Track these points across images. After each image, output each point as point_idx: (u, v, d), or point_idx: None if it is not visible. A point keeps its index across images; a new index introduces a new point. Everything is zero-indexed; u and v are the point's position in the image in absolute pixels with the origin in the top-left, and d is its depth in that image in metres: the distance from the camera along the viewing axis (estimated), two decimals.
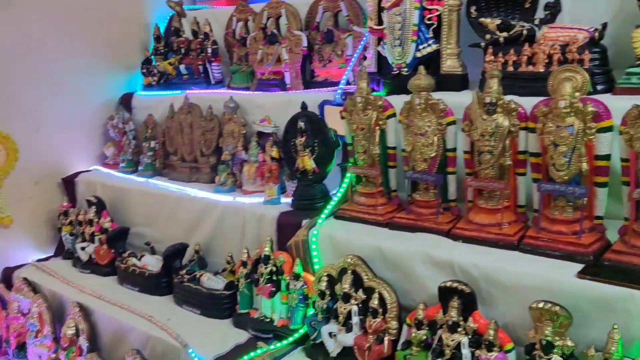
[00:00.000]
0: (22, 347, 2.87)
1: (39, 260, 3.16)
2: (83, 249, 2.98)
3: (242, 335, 2.19)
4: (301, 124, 2.31)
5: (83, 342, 2.52)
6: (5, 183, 3.09)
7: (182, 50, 3.33)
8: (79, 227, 3.09)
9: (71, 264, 3.09)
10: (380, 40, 2.42)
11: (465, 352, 1.62)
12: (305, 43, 2.78)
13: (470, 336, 1.63)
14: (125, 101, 3.48)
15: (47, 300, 2.74)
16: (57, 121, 3.29)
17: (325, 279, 1.98)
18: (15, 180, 3.13)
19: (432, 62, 2.30)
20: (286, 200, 2.49)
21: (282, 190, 2.54)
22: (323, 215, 2.17)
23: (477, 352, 1.60)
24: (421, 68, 1.98)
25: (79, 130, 3.43)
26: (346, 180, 2.28)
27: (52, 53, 3.23)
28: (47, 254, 3.29)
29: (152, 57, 3.44)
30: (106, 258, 2.91)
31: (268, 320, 2.17)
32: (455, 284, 1.66)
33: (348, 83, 2.62)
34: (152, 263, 2.67)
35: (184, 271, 2.51)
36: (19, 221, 3.16)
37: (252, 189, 2.65)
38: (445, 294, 1.68)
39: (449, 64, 2.28)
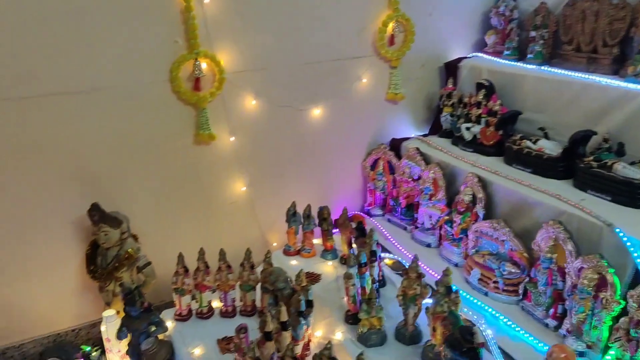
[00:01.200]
0: (409, 208, 3.31)
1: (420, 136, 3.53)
2: (468, 129, 3.19)
3: None
4: None
5: (479, 209, 2.78)
6: (401, 62, 3.44)
7: None
8: (462, 109, 3.30)
9: (450, 142, 3.35)
10: None
11: None
12: None
13: None
14: None
15: (442, 169, 3.06)
16: (447, 6, 3.46)
17: None
18: (408, 61, 3.46)
19: None
20: None
21: None
22: None
23: None
24: None
25: (461, 17, 3.56)
26: None
27: None
28: (422, 132, 3.64)
29: None
30: (492, 139, 3.06)
31: None
32: None
33: None
34: (549, 147, 2.73)
35: (590, 158, 2.53)
36: (406, 99, 3.52)
37: None
38: None
39: None
